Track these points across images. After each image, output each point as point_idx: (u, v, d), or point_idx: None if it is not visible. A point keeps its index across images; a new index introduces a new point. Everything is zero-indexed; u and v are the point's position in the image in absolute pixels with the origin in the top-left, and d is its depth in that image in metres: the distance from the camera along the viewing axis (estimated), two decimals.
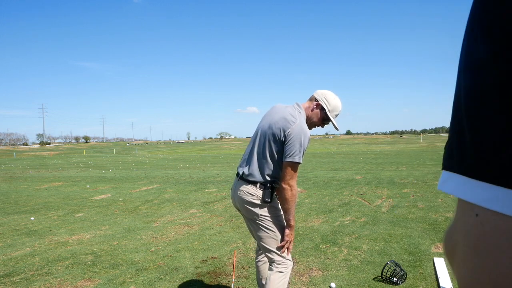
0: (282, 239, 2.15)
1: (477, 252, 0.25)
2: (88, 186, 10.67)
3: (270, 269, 2.17)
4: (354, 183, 9.28)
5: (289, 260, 2.18)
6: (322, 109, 2.16)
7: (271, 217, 2.13)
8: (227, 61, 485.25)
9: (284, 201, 2.07)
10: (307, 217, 5.50)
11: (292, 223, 2.13)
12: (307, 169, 14.10)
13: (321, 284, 3.02)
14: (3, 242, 4.59)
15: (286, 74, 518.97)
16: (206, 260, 3.68)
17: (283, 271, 2.13)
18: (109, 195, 8.72)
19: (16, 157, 51.10)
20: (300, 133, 2.01)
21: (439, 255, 3.58)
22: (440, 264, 3.32)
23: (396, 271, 2.94)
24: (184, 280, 3.18)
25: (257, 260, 2.42)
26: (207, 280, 3.18)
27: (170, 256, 3.85)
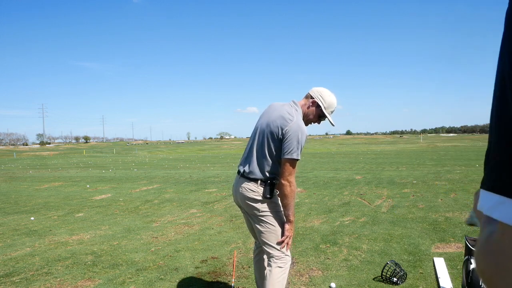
0: (282, 235, 2.19)
1: None
2: (88, 186, 10.67)
3: (268, 264, 2.20)
4: (354, 183, 9.28)
5: (288, 255, 2.21)
6: (317, 106, 2.22)
7: (271, 212, 2.18)
8: (227, 61, 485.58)
9: (283, 197, 2.13)
10: (307, 217, 5.50)
11: (292, 218, 2.18)
12: (307, 169, 14.10)
13: (321, 284, 3.02)
14: (3, 242, 4.59)
15: (286, 74, 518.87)
16: (206, 260, 3.68)
17: (282, 266, 2.16)
18: (109, 195, 8.72)
19: (16, 157, 51.10)
20: (297, 130, 2.07)
21: (439, 255, 3.58)
22: (440, 264, 3.32)
23: (396, 271, 2.94)
24: (184, 280, 3.18)
25: (254, 259, 2.46)
26: (207, 280, 3.18)
27: (170, 256, 3.85)
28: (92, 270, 3.49)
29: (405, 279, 2.97)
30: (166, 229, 5.03)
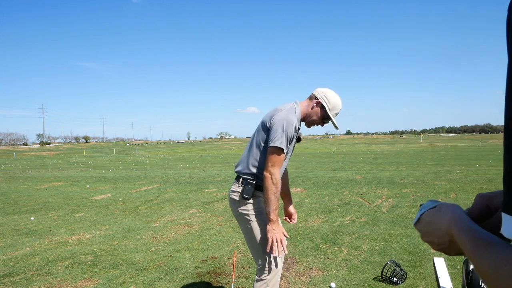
0: (265, 241, 1.96)
1: None
2: (88, 186, 10.67)
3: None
4: (354, 183, 9.28)
5: (273, 264, 1.98)
6: (322, 107, 2.11)
7: (250, 215, 2.01)
8: (227, 61, 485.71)
9: (264, 190, 1.93)
10: (307, 217, 5.50)
11: (272, 216, 1.92)
12: (307, 169, 14.10)
13: (321, 284, 3.02)
14: (3, 242, 4.59)
15: (286, 74, 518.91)
16: (206, 260, 3.68)
17: (263, 278, 1.97)
18: (109, 195, 8.72)
19: (16, 157, 51.10)
20: (284, 119, 1.94)
21: (439, 255, 3.58)
22: (440, 264, 3.32)
23: (396, 271, 2.94)
24: (184, 280, 3.18)
25: None
26: (207, 280, 3.18)
27: (170, 256, 3.85)
28: (92, 270, 3.49)
29: (405, 279, 2.97)
30: (166, 229, 5.03)
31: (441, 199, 6.56)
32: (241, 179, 2.04)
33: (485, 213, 0.52)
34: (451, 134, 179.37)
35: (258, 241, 2.00)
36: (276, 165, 1.91)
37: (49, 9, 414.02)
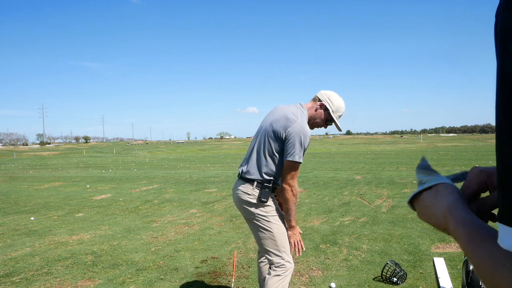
0: (281, 240, 2.09)
1: None
2: (88, 186, 10.67)
3: (269, 271, 2.12)
4: (354, 183, 9.28)
5: (289, 262, 2.11)
6: (325, 109, 2.15)
7: (268, 217, 2.09)
8: (227, 61, 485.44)
9: (284, 201, 2.05)
10: (307, 217, 5.50)
11: (293, 223, 2.10)
12: (307, 169, 14.10)
13: (321, 284, 3.02)
14: (3, 242, 4.59)
15: (286, 74, 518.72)
16: (206, 260, 3.68)
17: (280, 274, 2.07)
18: (109, 195, 8.72)
19: (16, 157, 51.10)
20: (300, 132, 2.00)
21: (439, 255, 3.58)
22: (440, 264, 3.32)
23: (396, 271, 2.94)
24: (184, 280, 3.18)
25: (259, 260, 2.40)
26: (207, 280, 3.18)
27: (170, 256, 3.85)
28: (92, 270, 3.49)
29: (405, 279, 2.97)
30: (166, 229, 5.03)
31: None
32: (256, 182, 2.08)
33: (482, 189, 0.51)
34: (451, 134, 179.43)
35: (277, 241, 2.09)
36: (295, 177, 2.03)
37: (49, 9, 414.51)
